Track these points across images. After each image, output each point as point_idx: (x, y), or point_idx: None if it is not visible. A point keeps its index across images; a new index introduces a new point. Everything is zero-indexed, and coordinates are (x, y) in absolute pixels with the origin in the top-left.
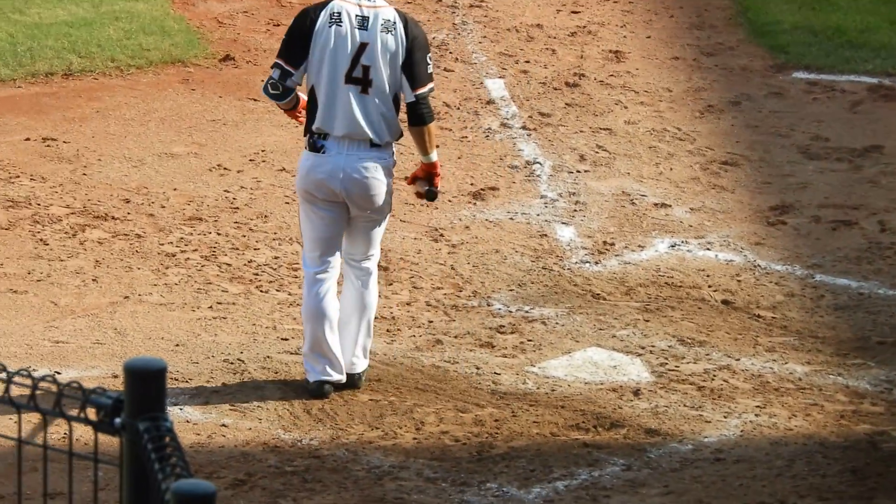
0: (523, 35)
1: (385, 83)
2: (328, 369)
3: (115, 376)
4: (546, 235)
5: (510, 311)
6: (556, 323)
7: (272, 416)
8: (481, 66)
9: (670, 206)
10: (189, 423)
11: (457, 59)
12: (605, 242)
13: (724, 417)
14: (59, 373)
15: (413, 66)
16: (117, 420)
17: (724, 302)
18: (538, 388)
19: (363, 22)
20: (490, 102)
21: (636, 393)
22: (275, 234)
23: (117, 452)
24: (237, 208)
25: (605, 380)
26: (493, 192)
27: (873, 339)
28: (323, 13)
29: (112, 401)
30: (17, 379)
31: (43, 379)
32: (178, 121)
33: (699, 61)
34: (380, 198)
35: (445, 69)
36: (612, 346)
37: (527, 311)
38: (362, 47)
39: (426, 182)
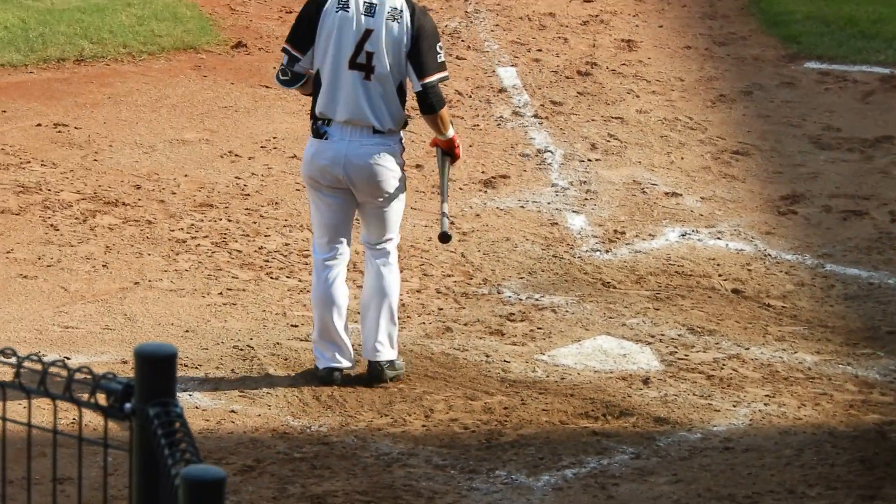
0: (536, 23)
1: (388, 71)
2: (337, 356)
3: (125, 362)
4: (557, 224)
5: (520, 299)
6: (566, 311)
7: (281, 402)
8: (493, 55)
9: (681, 195)
10: (198, 409)
11: (469, 47)
12: (615, 231)
13: (734, 406)
14: (68, 358)
15: (419, 55)
16: (127, 405)
17: (735, 291)
18: (548, 377)
19: (370, 8)
20: (502, 91)
21: (645, 381)
22: (285, 220)
23: (126, 438)
24: (248, 195)
25: (614, 368)
26: (505, 181)
27: (883, 328)
28: None
29: (122, 386)
30: (27, 364)
31: (53, 364)
32: (189, 107)
33: (711, 51)
34: (385, 184)
35: (458, 57)
36: (622, 334)
37: (537, 300)
38: (367, 33)
39: (446, 154)
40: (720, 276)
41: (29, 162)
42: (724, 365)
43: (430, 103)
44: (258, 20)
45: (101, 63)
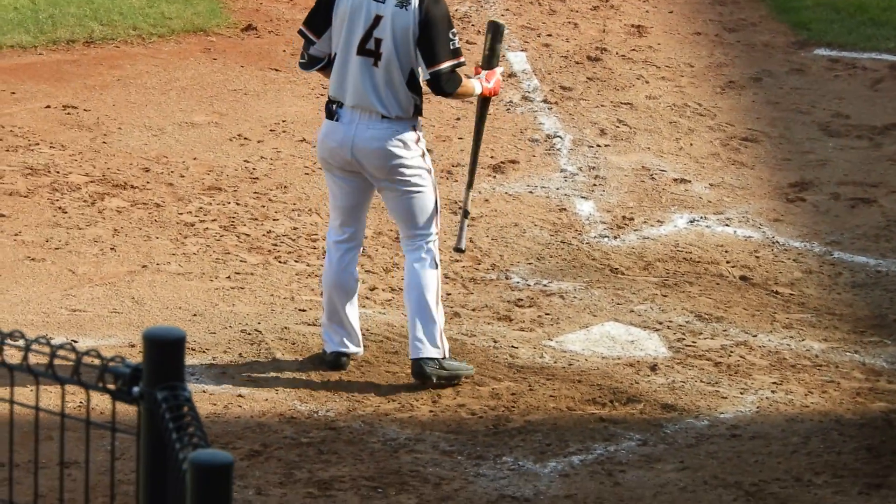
0: (546, 8)
1: (396, 58)
2: (345, 341)
3: (132, 345)
4: (565, 209)
5: (528, 285)
6: (574, 297)
7: (288, 386)
8: (504, 39)
9: (690, 181)
10: (205, 392)
11: (479, 31)
12: (624, 217)
13: (741, 393)
14: (76, 341)
15: (428, 43)
16: (135, 389)
17: (742, 278)
18: (555, 363)
19: None
20: (512, 76)
21: (653, 368)
22: (294, 204)
23: (134, 422)
24: (257, 178)
25: (622, 354)
26: (513, 166)
27: (890, 316)
28: None
29: (130, 370)
30: (34, 347)
31: (61, 347)
32: (199, 90)
33: (721, 37)
34: (397, 168)
35: (468, 42)
36: (630, 320)
37: (545, 285)
38: (377, 20)
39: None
40: (728, 262)
41: (38, 144)
42: (731, 352)
43: (442, 89)
44: (268, 3)
45: (111, 45)
